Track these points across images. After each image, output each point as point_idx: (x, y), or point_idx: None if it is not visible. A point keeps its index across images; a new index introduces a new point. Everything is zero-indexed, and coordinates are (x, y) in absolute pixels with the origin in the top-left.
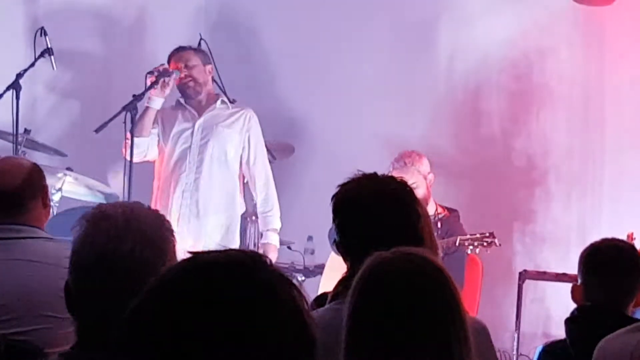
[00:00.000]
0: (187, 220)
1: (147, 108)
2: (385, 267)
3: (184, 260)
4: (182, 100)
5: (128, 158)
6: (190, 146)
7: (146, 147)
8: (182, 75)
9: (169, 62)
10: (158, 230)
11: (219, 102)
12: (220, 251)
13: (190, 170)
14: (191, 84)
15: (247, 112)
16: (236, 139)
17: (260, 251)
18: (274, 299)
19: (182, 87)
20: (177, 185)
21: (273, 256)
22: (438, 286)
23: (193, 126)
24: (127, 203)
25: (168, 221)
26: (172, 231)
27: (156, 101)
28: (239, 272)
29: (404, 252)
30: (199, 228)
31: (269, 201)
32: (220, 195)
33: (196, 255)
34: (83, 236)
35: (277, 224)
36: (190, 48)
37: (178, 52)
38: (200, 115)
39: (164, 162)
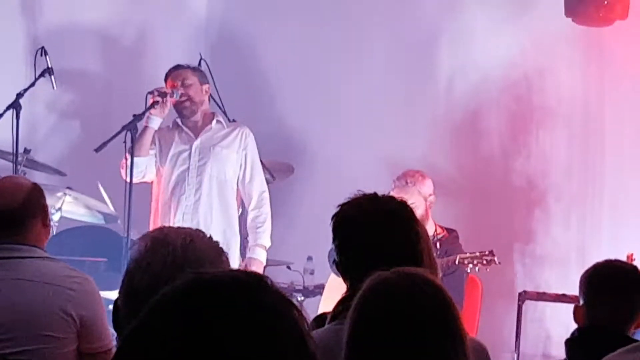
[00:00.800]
0: None
1: (145, 127)
2: (385, 287)
3: (187, 280)
4: (179, 122)
5: (126, 179)
6: (188, 168)
7: (144, 167)
8: (180, 92)
9: (165, 80)
10: (215, 263)
11: (214, 122)
12: (224, 271)
13: (190, 192)
14: (187, 103)
15: (243, 130)
16: (233, 159)
17: (243, 265)
18: (275, 320)
19: (178, 106)
20: (178, 208)
21: (257, 271)
22: (438, 306)
23: (190, 148)
24: (188, 230)
25: (226, 254)
26: (229, 264)
27: (155, 121)
28: (241, 292)
29: (404, 272)
30: None
31: (261, 217)
32: (220, 216)
33: (200, 274)
34: (140, 258)
35: (267, 241)
36: (187, 67)
37: (175, 70)
38: (196, 136)
39: (162, 184)
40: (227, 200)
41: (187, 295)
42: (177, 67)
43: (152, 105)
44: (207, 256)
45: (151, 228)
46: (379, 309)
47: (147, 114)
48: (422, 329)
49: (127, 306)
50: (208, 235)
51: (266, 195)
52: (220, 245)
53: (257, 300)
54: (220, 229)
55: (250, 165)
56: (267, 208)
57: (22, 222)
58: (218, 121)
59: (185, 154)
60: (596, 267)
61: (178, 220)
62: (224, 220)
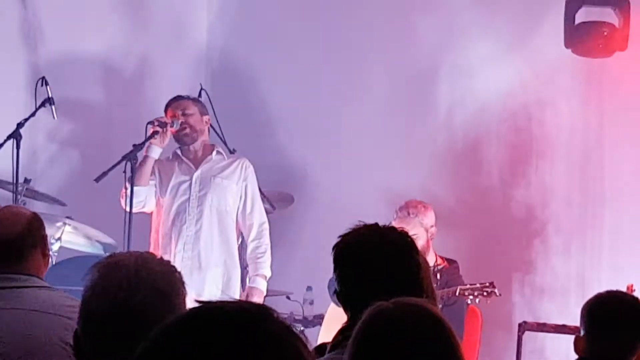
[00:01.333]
0: (190, 273)
1: (145, 157)
2: (385, 317)
3: (193, 308)
4: (178, 152)
5: (126, 208)
6: (189, 198)
7: (144, 197)
8: (180, 121)
9: (166, 110)
10: (169, 281)
11: (214, 153)
12: (228, 301)
13: (191, 222)
14: (187, 131)
15: (243, 162)
16: (234, 190)
17: (244, 295)
18: (281, 350)
19: (178, 135)
20: (179, 239)
21: (258, 301)
22: (438, 337)
23: (191, 178)
24: (139, 253)
25: (179, 272)
26: (183, 282)
27: (155, 150)
28: (245, 322)
29: (404, 303)
30: (201, 280)
31: (262, 248)
32: (221, 246)
33: (205, 304)
34: (94, 285)
35: (267, 272)
36: (188, 98)
37: (176, 101)
38: (196, 167)
39: (162, 215)
40: (228, 231)
41: (190, 325)
42: (178, 98)
43: (152, 135)
44: (160, 276)
45: None
46: (379, 339)
47: (147, 143)
48: (423, 357)
49: (87, 334)
50: (159, 256)
51: (266, 226)
52: (223, 275)
53: (262, 331)
54: (221, 259)
55: (251, 196)
56: (267, 239)
57: (22, 252)
58: (218, 152)
59: (186, 185)
60: (598, 298)
61: (179, 250)
62: (225, 250)
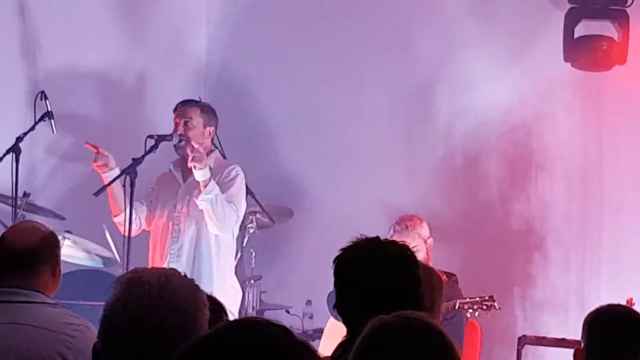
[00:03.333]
0: None
1: (103, 187)
2: (386, 331)
3: (222, 325)
4: (171, 166)
5: (125, 233)
6: (174, 213)
7: (135, 218)
8: (179, 132)
9: (175, 111)
10: (191, 301)
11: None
12: (253, 319)
13: (174, 238)
14: (183, 144)
15: (229, 169)
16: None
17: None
18: None
19: (175, 146)
20: (164, 255)
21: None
22: (439, 351)
23: (177, 192)
24: (163, 270)
25: (202, 292)
26: (205, 302)
27: (109, 175)
28: (271, 340)
29: (405, 317)
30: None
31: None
32: (207, 262)
33: (234, 321)
34: (115, 300)
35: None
36: (196, 104)
37: (183, 106)
38: (184, 180)
39: (153, 230)
40: (211, 246)
41: (219, 341)
42: (186, 103)
43: (152, 149)
44: (182, 295)
45: None
46: (380, 353)
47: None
48: None
49: (106, 348)
50: (183, 274)
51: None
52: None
53: (286, 345)
54: (207, 273)
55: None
56: (230, 209)
57: (32, 266)
58: (215, 159)
59: (173, 199)
60: (599, 311)
61: (165, 265)
62: (211, 267)
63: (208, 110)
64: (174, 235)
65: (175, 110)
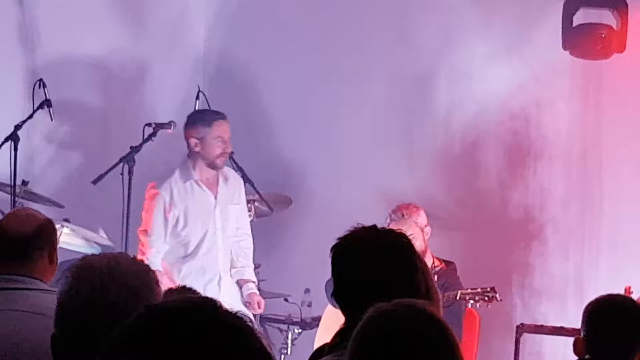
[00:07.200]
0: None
1: None
2: (385, 318)
3: (146, 307)
4: (195, 177)
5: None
6: (212, 226)
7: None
8: (228, 151)
9: (204, 120)
10: (143, 281)
11: (220, 180)
12: (175, 299)
13: (212, 247)
14: (224, 158)
15: (240, 182)
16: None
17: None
18: (236, 338)
19: (219, 159)
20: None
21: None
22: (438, 338)
23: (214, 206)
24: (112, 254)
25: (153, 271)
26: (157, 281)
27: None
28: (197, 315)
29: (404, 304)
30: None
31: (250, 251)
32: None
33: (152, 305)
34: (68, 287)
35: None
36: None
37: (225, 122)
38: (213, 192)
39: (180, 241)
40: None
41: (145, 324)
42: (224, 118)
43: (149, 137)
44: (133, 276)
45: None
46: (379, 340)
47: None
48: (422, 357)
49: (63, 335)
50: (132, 256)
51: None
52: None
53: (215, 322)
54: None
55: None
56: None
57: (29, 253)
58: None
59: (209, 216)
60: (599, 301)
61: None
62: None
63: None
64: (215, 248)
65: (209, 120)
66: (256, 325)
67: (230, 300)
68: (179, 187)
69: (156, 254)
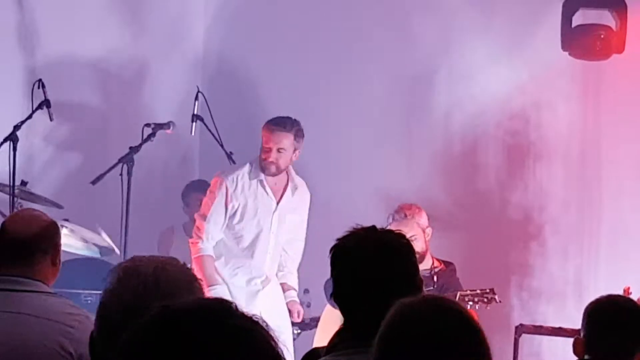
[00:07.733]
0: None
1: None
2: (412, 312)
3: (157, 310)
4: (263, 179)
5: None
6: (269, 231)
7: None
8: (270, 160)
9: (265, 127)
10: (187, 290)
11: (289, 184)
12: (189, 301)
13: (264, 253)
14: (272, 167)
15: (306, 194)
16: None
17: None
18: (246, 337)
19: (263, 164)
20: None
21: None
22: (466, 330)
23: (273, 212)
24: (160, 259)
25: (199, 280)
26: (202, 290)
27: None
28: (209, 316)
29: (429, 298)
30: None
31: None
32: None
33: (165, 306)
34: (111, 289)
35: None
36: (291, 129)
37: (278, 129)
38: (277, 199)
39: (235, 236)
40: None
41: (156, 327)
42: (281, 126)
43: (149, 138)
44: (178, 284)
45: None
46: (407, 334)
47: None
48: (451, 353)
49: (102, 337)
50: (182, 262)
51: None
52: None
53: (229, 325)
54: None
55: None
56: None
57: (32, 255)
58: (291, 179)
59: (267, 217)
60: (599, 302)
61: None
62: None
63: (300, 135)
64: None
65: (270, 128)
66: (271, 331)
67: (274, 302)
68: (245, 182)
69: (210, 240)
